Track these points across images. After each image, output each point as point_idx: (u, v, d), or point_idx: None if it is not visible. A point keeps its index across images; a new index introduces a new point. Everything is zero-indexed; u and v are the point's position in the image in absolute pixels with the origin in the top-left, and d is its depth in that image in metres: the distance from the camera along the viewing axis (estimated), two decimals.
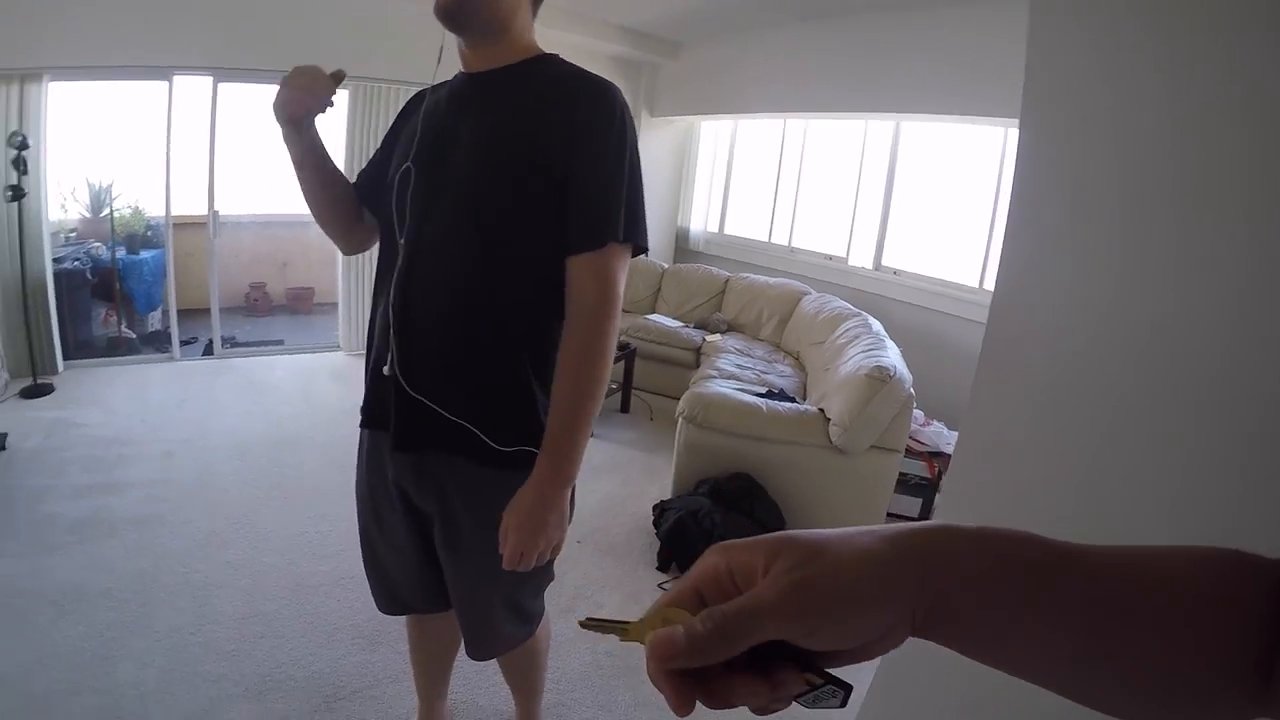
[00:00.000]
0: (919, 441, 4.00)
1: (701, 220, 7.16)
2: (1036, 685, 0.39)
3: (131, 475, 3.85)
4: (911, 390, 3.40)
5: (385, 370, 1.38)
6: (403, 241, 1.36)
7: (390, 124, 1.59)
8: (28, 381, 4.86)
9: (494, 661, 1.83)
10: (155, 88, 5.21)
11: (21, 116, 4.70)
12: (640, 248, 1.38)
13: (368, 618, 2.71)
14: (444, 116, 1.39)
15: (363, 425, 1.54)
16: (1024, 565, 0.39)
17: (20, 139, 4.57)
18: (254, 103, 6.00)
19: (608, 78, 1.35)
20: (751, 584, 0.39)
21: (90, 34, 4.72)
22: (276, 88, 1.44)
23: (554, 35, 5.68)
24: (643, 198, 1.36)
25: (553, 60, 1.40)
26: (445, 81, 1.45)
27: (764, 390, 3.99)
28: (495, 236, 1.33)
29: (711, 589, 0.41)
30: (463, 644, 1.71)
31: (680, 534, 3.21)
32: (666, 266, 6.35)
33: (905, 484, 3.72)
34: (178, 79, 5.14)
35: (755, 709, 0.39)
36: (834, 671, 0.39)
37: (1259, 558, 0.38)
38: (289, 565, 3.14)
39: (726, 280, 5.94)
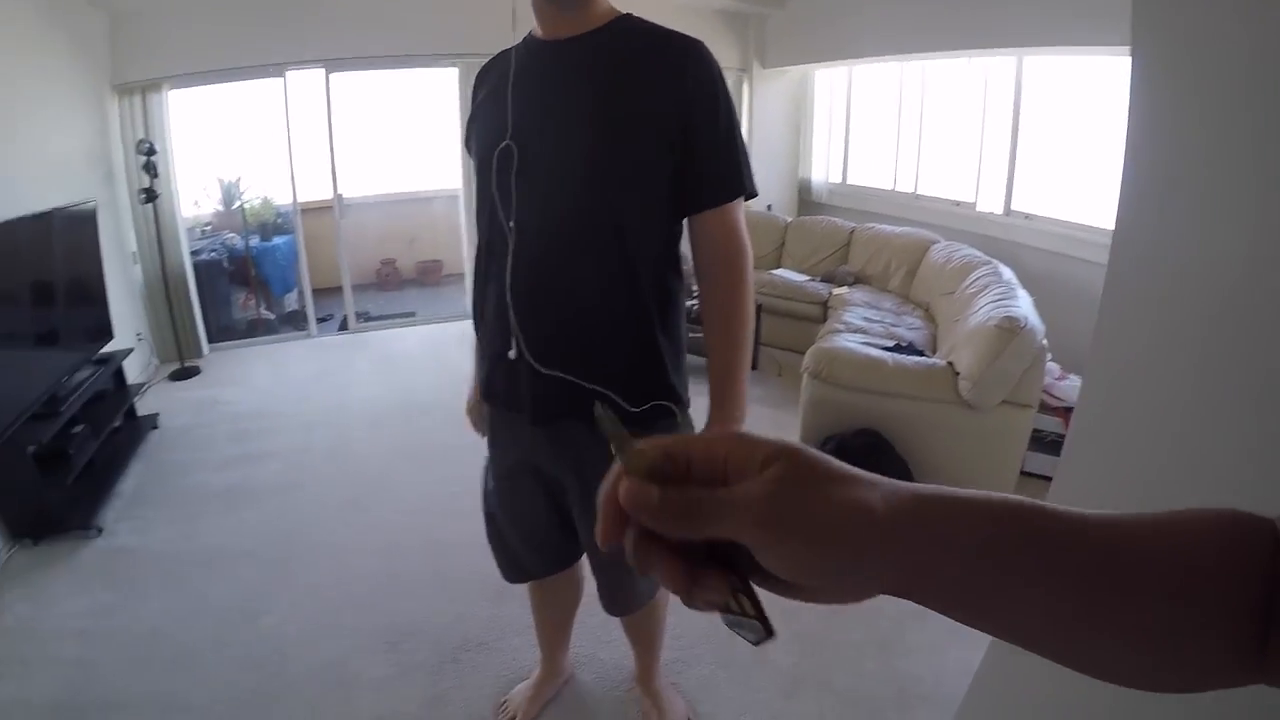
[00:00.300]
0: (1054, 396, 3.75)
1: (823, 171, 7.14)
2: (1020, 648, 0.40)
3: (273, 446, 4.26)
4: (1044, 342, 3.31)
5: (511, 355, 1.46)
6: (511, 224, 1.41)
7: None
8: (175, 366, 5.53)
9: (599, 611, 1.96)
10: (271, 84, 5.76)
11: (147, 125, 5.36)
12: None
13: (495, 574, 2.81)
14: (536, 88, 1.41)
15: (492, 403, 1.65)
16: (1020, 538, 0.39)
17: (148, 145, 5.18)
18: (366, 89, 6.64)
19: (715, 32, 1.38)
20: (741, 479, 0.40)
21: (203, 42, 5.29)
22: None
23: None
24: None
25: (633, 19, 1.42)
26: (510, 50, 1.48)
27: (892, 344, 3.90)
28: (620, 205, 1.39)
29: (703, 464, 0.42)
30: (599, 600, 1.88)
31: None
32: (790, 220, 6.31)
33: (1040, 441, 3.59)
34: (290, 74, 5.72)
35: (671, 590, 0.40)
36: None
37: (1255, 519, 0.38)
38: (422, 526, 3.38)
39: (851, 231, 5.85)
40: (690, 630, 2.56)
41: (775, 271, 5.63)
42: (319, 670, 2.53)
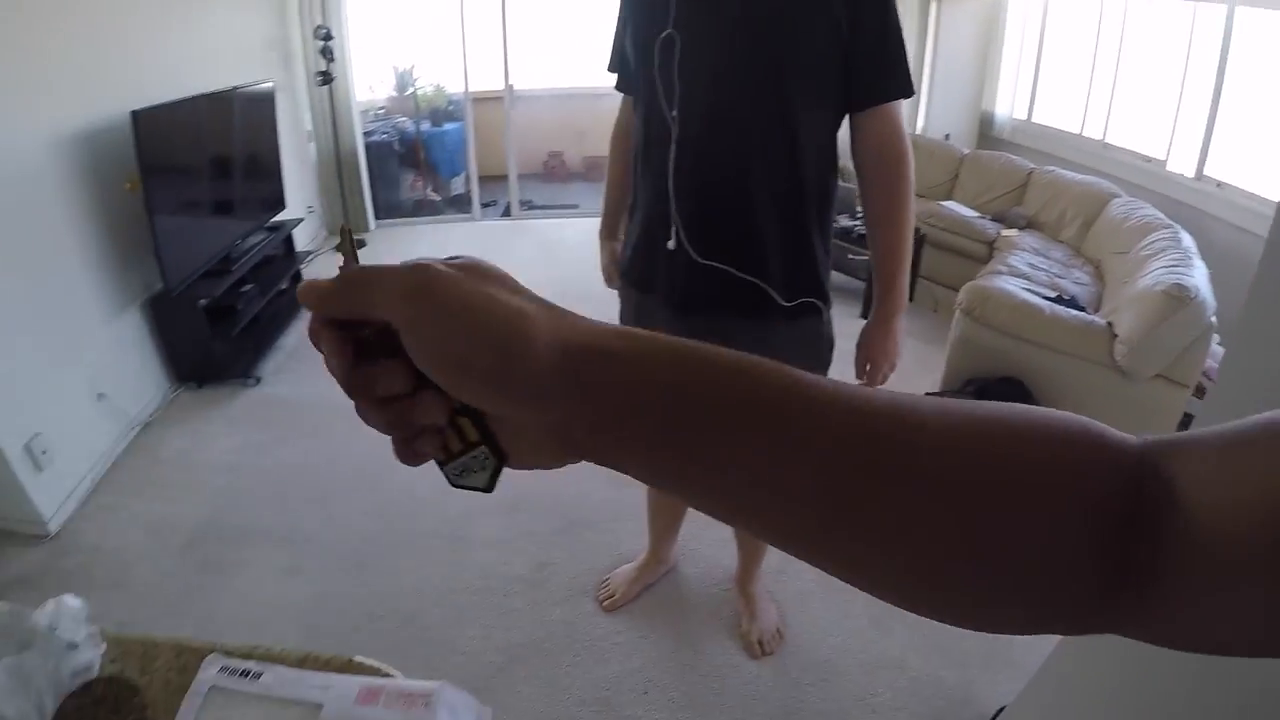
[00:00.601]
0: (1213, 380, 3.21)
1: (1008, 105, 6.43)
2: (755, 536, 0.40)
3: None
4: (1214, 319, 2.98)
5: (670, 245, 1.48)
6: (674, 113, 1.40)
7: None
8: None
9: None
10: None
11: (324, 11, 5.52)
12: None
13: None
14: None
15: (634, 287, 1.68)
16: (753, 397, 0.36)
17: (325, 31, 5.39)
18: None
19: None
20: None
21: None
22: None
23: None
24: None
25: None
26: None
27: (1054, 295, 3.52)
28: (788, 95, 1.37)
29: None
30: None
31: None
32: (966, 152, 5.75)
33: (1189, 427, 3.05)
34: None
35: (383, 425, 0.40)
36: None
37: (1118, 439, 0.36)
38: None
39: (1030, 173, 5.27)
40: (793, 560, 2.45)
41: (945, 203, 5.20)
42: (439, 525, 2.63)
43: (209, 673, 0.77)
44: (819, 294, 1.55)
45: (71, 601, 0.80)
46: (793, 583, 2.35)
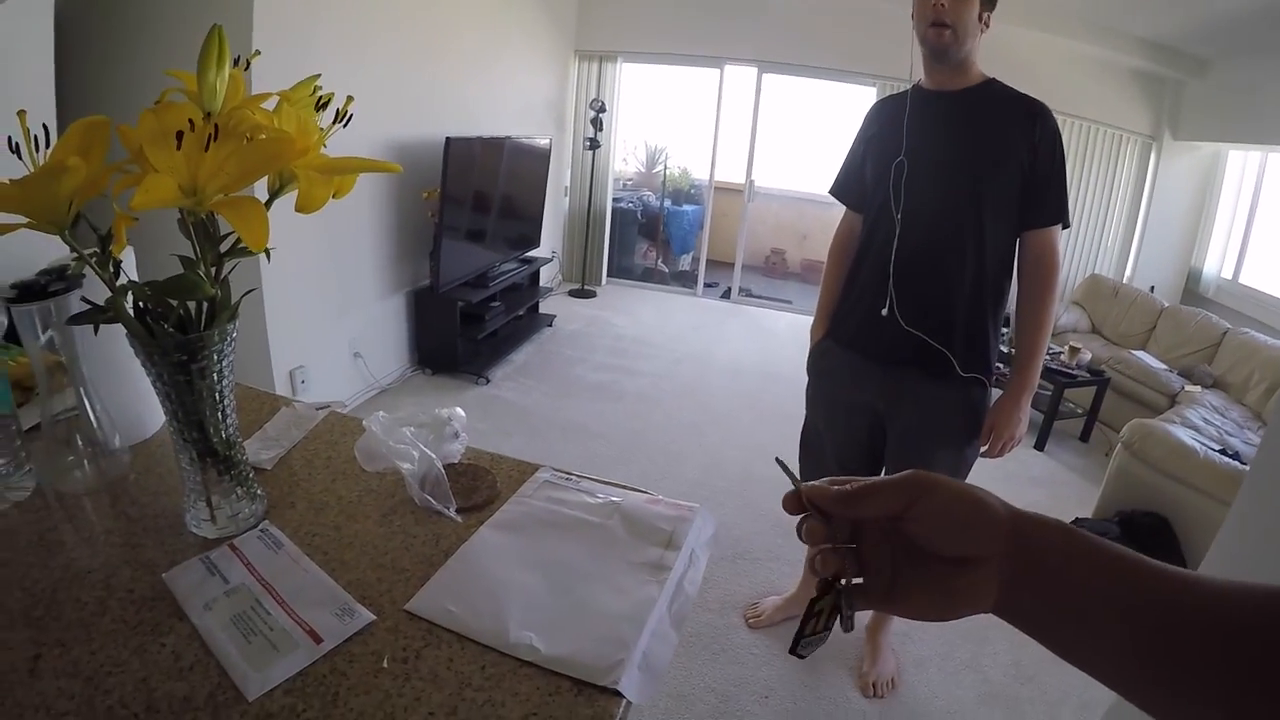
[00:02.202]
0: None
1: (1217, 263, 6.17)
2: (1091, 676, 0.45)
3: (644, 367, 4.76)
4: None
5: (884, 312, 1.85)
6: (899, 216, 1.82)
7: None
8: (576, 285, 6.50)
9: None
10: (709, 74, 6.42)
11: (600, 86, 6.32)
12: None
13: (792, 516, 3.00)
14: (926, 124, 1.81)
15: (844, 345, 2.02)
16: (1111, 574, 0.44)
17: (599, 104, 6.15)
18: (793, 92, 7.02)
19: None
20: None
21: (657, 27, 6.13)
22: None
23: (1069, 45, 5.43)
24: None
25: (997, 84, 1.80)
26: (904, 93, 1.87)
27: (1219, 448, 3.37)
28: (981, 213, 1.76)
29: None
30: None
31: None
32: (1166, 305, 5.57)
33: None
34: (728, 68, 6.35)
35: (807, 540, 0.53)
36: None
37: None
38: (745, 460, 3.60)
39: (1225, 332, 5.04)
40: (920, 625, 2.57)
41: (1136, 353, 5.11)
42: None
43: (543, 475, 1.06)
44: (985, 371, 1.86)
45: (460, 411, 1.12)
46: (915, 647, 2.48)
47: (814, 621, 0.51)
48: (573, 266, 6.63)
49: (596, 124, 6.08)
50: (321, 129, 0.81)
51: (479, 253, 4.34)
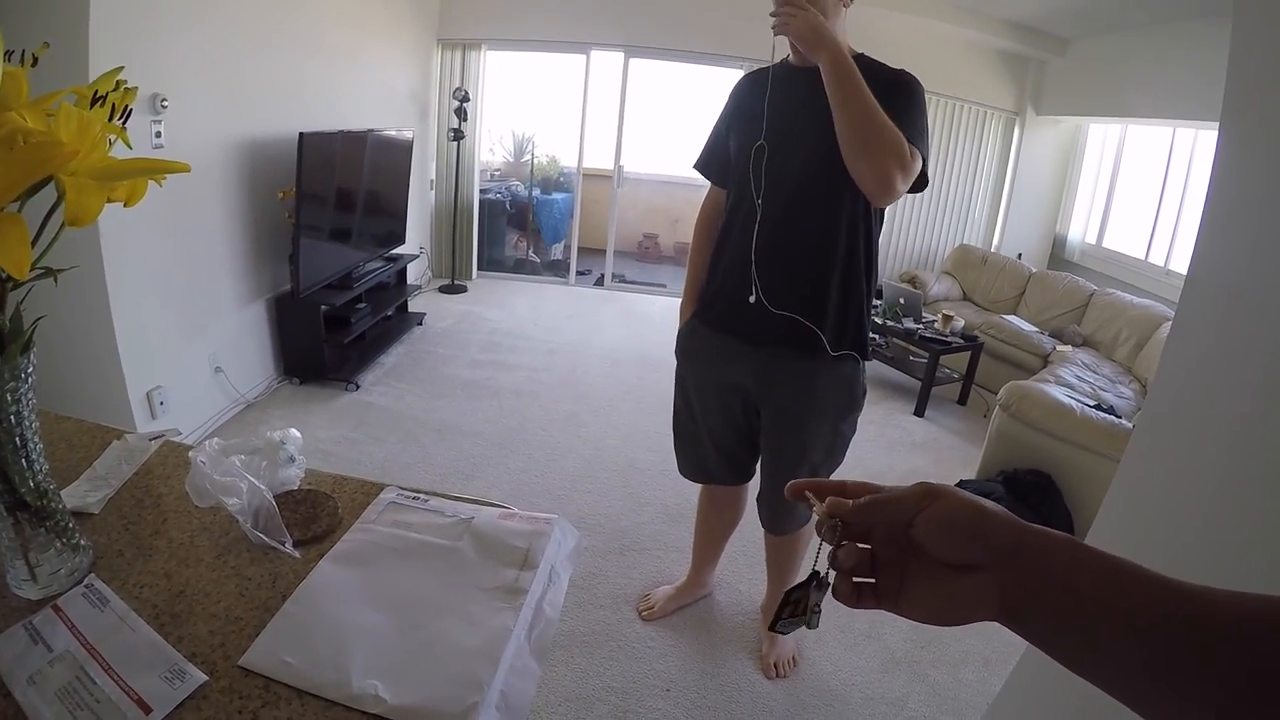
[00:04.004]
0: None
1: (1081, 229, 6.72)
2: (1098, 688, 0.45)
3: (518, 360, 4.70)
4: None
5: (751, 299, 1.83)
6: (759, 200, 1.81)
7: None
8: (446, 281, 6.35)
9: (751, 554, 2.55)
10: (575, 59, 6.37)
11: (464, 76, 6.17)
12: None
13: (676, 500, 3.15)
14: (785, 104, 1.79)
15: (712, 328, 2.00)
16: (1115, 586, 0.45)
17: (463, 93, 6.00)
18: (659, 77, 7.06)
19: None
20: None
21: (522, 14, 6.03)
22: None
23: (940, 28, 5.70)
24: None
25: (866, 58, 1.76)
26: (766, 68, 1.85)
27: (1094, 404, 3.64)
28: (843, 188, 1.71)
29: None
30: (759, 518, 2.18)
31: None
32: (1034, 271, 6.03)
33: None
34: (594, 53, 6.31)
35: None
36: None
37: None
38: (626, 449, 3.61)
39: (1091, 294, 5.49)
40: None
41: (1007, 317, 5.47)
42: None
43: (388, 495, 1.02)
44: (859, 348, 1.87)
45: (295, 432, 1.06)
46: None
47: (790, 608, 0.58)
48: (441, 262, 6.47)
49: (461, 114, 5.95)
50: (120, 127, 0.75)
51: (342, 252, 4.17)
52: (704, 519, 2.46)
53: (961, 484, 3.43)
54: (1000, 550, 0.49)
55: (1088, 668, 0.45)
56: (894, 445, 4.11)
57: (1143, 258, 5.98)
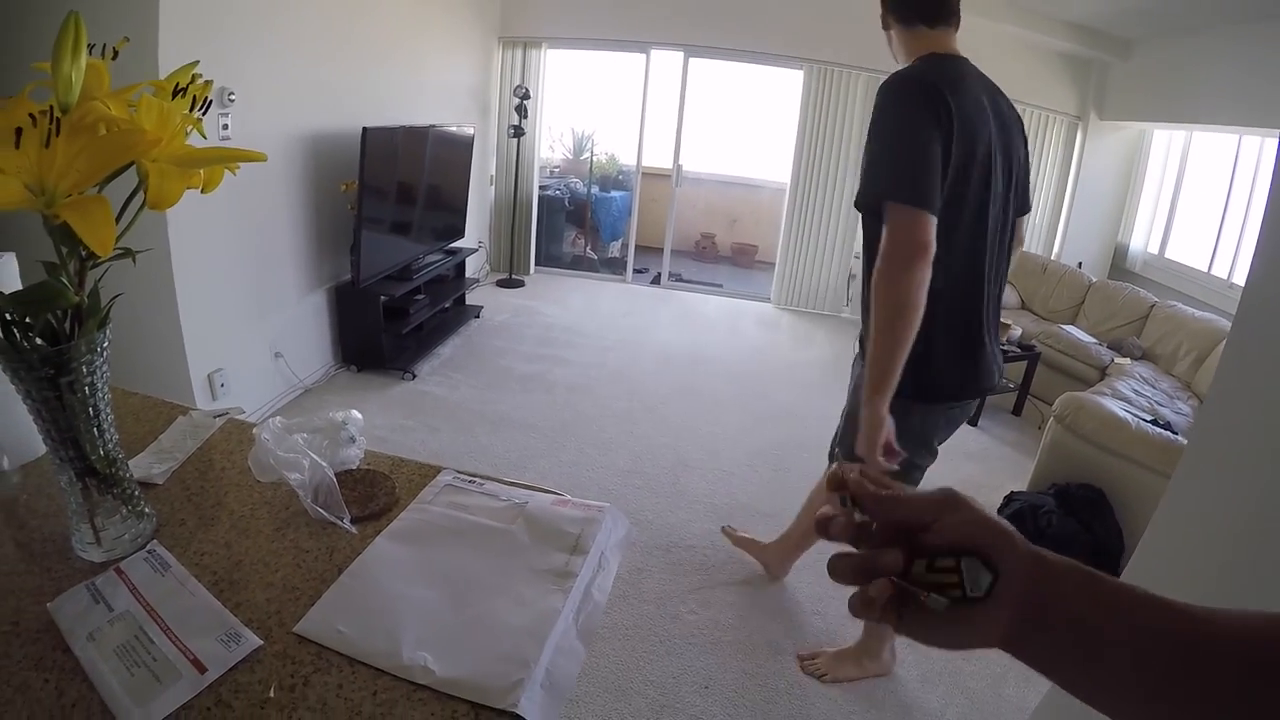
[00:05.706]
0: None
1: (1143, 239, 6.44)
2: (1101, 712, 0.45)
3: (574, 356, 4.73)
4: None
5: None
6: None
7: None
8: (504, 275, 6.43)
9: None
10: (635, 59, 6.38)
11: (524, 73, 6.25)
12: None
13: (724, 500, 3.15)
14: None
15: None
16: (1127, 618, 0.44)
17: (524, 90, 6.06)
18: (719, 76, 7.07)
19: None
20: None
21: (582, 13, 6.09)
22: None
23: (999, 29, 5.53)
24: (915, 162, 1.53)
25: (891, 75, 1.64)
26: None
27: (1150, 419, 3.50)
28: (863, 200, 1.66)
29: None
30: None
31: (1016, 523, 2.93)
32: (1094, 280, 5.80)
33: None
34: (654, 52, 6.32)
35: (850, 576, 0.51)
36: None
37: None
38: (677, 446, 3.60)
39: (1152, 306, 5.27)
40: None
41: (1065, 327, 5.30)
42: None
43: (444, 478, 1.03)
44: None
45: (356, 414, 1.08)
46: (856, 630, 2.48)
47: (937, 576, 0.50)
48: (500, 256, 6.55)
49: (521, 111, 6.00)
50: (197, 118, 0.77)
51: (402, 245, 4.25)
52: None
53: (1012, 495, 3.39)
54: (1014, 575, 0.47)
55: (1090, 693, 0.45)
56: (946, 453, 3.94)
57: (1205, 270, 5.76)
